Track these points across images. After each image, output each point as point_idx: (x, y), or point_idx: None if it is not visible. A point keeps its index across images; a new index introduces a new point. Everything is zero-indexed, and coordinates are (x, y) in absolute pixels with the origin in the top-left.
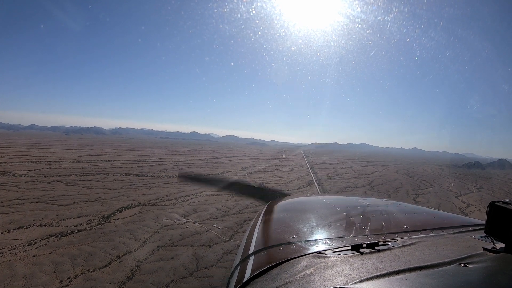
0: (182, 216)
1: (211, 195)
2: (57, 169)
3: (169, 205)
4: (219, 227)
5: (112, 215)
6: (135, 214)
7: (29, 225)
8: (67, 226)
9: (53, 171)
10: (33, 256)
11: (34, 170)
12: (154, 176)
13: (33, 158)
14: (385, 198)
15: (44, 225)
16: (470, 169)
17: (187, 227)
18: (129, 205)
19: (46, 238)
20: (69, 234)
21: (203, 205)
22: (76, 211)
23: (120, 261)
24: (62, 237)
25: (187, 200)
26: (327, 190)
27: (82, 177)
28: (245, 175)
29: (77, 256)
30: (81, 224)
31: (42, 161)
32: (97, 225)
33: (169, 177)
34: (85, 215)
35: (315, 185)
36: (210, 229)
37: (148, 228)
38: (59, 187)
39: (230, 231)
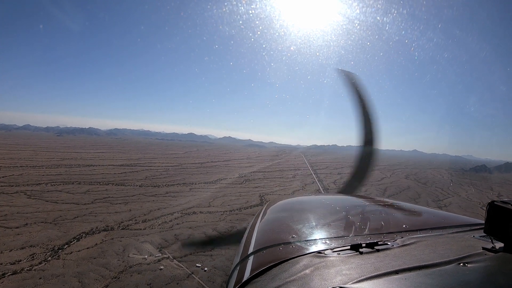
0: (157, 248)
1: (200, 212)
2: (28, 176)
3: (144, 229)
4: (205, 268)
5: (66, 246)
6: (96, 244)
7: None
8: (1, 264)
9: (22, 179)
10: None
11: (3, 177)
12: (136, 186)
13: (9, 162)
14: (384, 197)
15: None
16: (478, 173)
17: (160, 269)
18: (92, 229)
19: None
20: None
21: (188, 229)
22: (22, 239)
23: None
24: None
25: (169, 221)
26: None
27: (51, 187)
28: (242, 183)
29: None
30: (21, 261)
31: (17, 166)
32: (40, 263)
33: (154, 187)
34: (32, 245)
35: None
36: (192, 273)
37: (107, 270)
38: (19, 201)
39: (221, 275)
